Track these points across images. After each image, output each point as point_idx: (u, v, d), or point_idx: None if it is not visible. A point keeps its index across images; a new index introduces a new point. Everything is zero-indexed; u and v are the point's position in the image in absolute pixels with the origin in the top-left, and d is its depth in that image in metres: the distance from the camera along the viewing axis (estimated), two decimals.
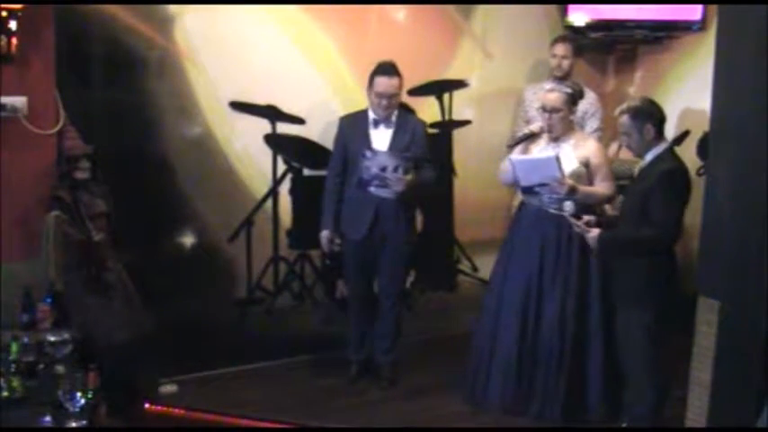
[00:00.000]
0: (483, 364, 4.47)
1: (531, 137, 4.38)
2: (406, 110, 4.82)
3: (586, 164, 4.29)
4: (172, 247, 4.78)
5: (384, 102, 4.48)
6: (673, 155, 3.84)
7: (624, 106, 3.88)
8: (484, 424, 4.31)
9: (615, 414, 4.29)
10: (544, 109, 4.30)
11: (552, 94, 4.29)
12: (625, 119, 3.82)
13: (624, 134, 3.86)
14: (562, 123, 4.30)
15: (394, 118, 4.56)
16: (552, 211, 4.26)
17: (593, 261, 4.30)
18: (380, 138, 4.55)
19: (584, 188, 4.22)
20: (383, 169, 4.38)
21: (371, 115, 4.57)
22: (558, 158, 4.12)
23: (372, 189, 4.46)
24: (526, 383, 4.35)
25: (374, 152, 4.41)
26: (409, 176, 4.44)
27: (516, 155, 4.35)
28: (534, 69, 5.58)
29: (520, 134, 4.46)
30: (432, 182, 4.65)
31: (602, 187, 4.30)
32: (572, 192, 4.13)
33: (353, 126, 4.59)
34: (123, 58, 4.48)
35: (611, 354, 4.27)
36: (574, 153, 4.29)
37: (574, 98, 4.33)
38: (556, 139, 4.34)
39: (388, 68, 4.49)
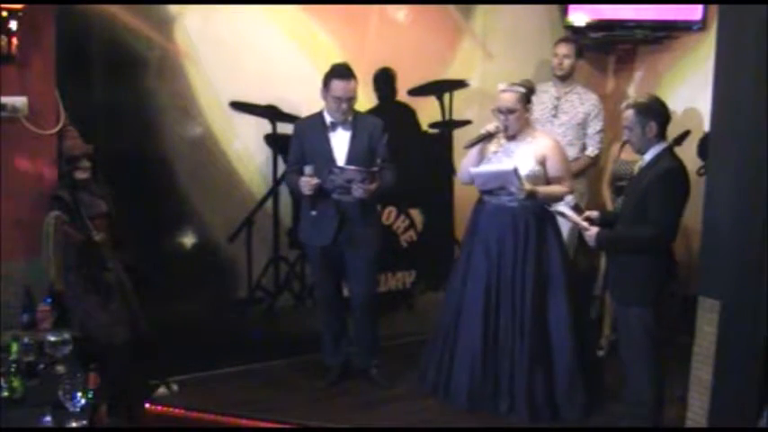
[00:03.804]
0: (445, 362, 4.50)
1: (488, 137, 4.40)
2: (401, 108, 4.82)
3: (543, 162, 4.34)
4: (172, 247, 4.77)
5: (343, 105, 4.47)
6: (672, 155, 3.85)
7: (631, 101, 3.91)
8: (484, 424, 4.31)
9: (590, 410, 4.33)
10: (499, 110, 4.34)
11: (506, 94, 4.34)
12: (630, 113, 3.84)
13: (627, 128, 3.88)
14: (518, 122, 4.36)
15: (350, 119, 4.55)
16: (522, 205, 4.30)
17: (554, 254, 4.36)
18: (339, 141, 4.53)
19: (542, 190, 4.30)
20: (349, 181, 4.39)
21: (328, 118, 4.55)
22: (516, 171, 4.18)
23: (335, 196, 4.47)
24: (491, 380, 4.37)
25: (342, 169, 4.40)
26: (374, 186, 4.43)
27: (477, 167, 4.39)
28: (537, 70, 5.58)
29: (476, 136, 4.44)
30: (393, 184, 4.59)
31: (560, 185, 4.37)
32: (531, 196, 4.20)
33: (310, 131, 4.57)
34: (123, 58, 4.47)
35: (581, 348, 4.35)
36: (530, 152, 4.34)
37: (527, 97, 4.37)
38: (512, 138, 4.38)
39: (343, 72, 4.46)
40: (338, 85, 4.43)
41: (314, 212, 4.49)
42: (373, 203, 4.68)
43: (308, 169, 4.44)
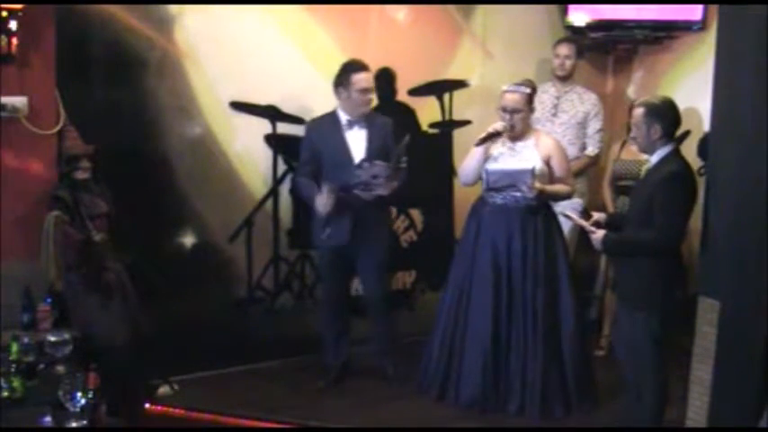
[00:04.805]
0: (453, 365, 4.49)
1: (496, 135, 4.41)
2: (401, 108, 4.84)
3: (547, 162, 4.38)
4: (172, 247, 4.77)
5: (369, 96, 4.48)
6: (679, 157, 3.81)
7: (642, 100, 3.91)
8: (483, 424, 4.31)
9: (594, 403, 4.40)
10: (504, 110, 4.35)
11: (513, 95, 4.36)
12: (639, 112, 3.83)
13: (634, 125, 3.88)
14: (522, 123, 4.38)
15: (364, 118, 4.55)
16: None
17: (559, 252, 4.39)
18: (356, 140, 4.53)
19: (549, 188, 4.35)
20: (375, 177, 4.38)
21: (344, 117, 4.55)
22: (533, 171, 4.20)
23: (357, 192, 4.45)
24: (503, 380, 4.37)
25: (371, 163, 4.39)
26: (395, 183, 4.43)
27: (491, 165, 4.40)
28: (537, 70, 5.58)
29: (484, 133, 4.45)
30: (403, 182, 4.59)
31: (564, 184, 4.43)
32: (540, 194, 4.22)
33: (325, 131, 4.55)
34: (123, 58, 4.48)
35: (584, 344, 4.41)
36: (536, 152, 4.36)
37: (531, 98, 4.39)
38: (515, 139, 4.40)
39: (359, 65, 4.48)
40: (361, 77, 4.44)
41: (327, 231, 4.47)
42: (385, 202, 4.67)
43: (326, 187, 4.41)
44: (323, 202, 4.41)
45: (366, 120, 4.54)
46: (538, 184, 4.24)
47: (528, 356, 4.33)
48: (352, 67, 4.46)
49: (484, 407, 4.38)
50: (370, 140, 4.52)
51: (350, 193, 4.44)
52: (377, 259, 4.66)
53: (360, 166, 4.38)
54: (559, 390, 4.35)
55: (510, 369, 4.36)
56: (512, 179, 4.29)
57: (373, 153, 4.47)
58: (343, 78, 4.47)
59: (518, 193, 4.30)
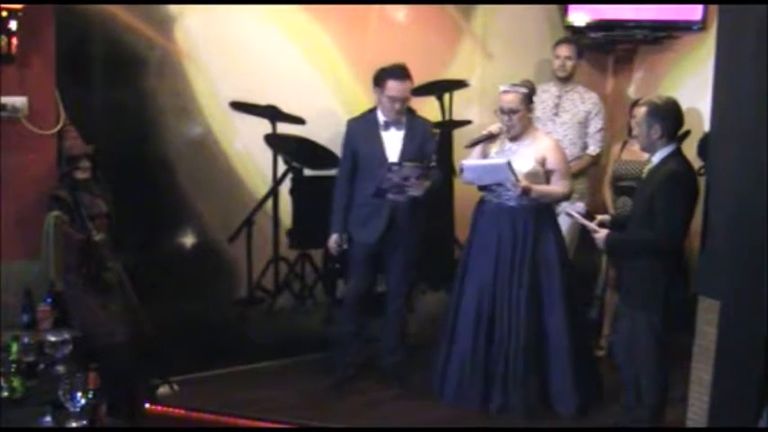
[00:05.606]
0: (444, 361, 4.51)
1: (490, 137, 4.42)
2: (410, 111, 4.84)
3: (543, 162, 4.35)
4: (172, 247, 4.77)
5: (397, 105, 4.49)
6: (680, 157, 3.81)
7: (646, 99, 3.92)
8: (483, 424, 4.31)
9: (587, 410, 4.36)
10: (502, 111, 4.36)
11: (508, 95, 4.36)
12: (641, 111, 3.85)
13: (635, 124, 3.90)
14: (521, 123, 4.37)
15: (403, 119, 4.56)
16: (510, 204, 4.30)
17: (551, 255, 4.37)
18: (393, 141, 4.55)
19: (538, 188, 4.31)
20: (406, 179, 4.39)
21: (382, 117, 4.57)
22: (509, 165, 4.18)
23: (390, 196, 4.47)
24: (481, 378, 4.38)
25: (400, 165, 4.40)
26: (428, 183, 4.45)
27: (468, 159, 4.42)
28: (537, 70, 5.58)
29: (478, 135, 4.47)
30: (440, 182, 4.65)
31: (558, 186, 4.38)
32: (526, 193, 4.22)
33: (363, 130, 4.58)
34: (123, 58, 4.48)
35: (578, 349, 4.38)
36: (531, 152, 4.35)
37: (529, 97, 4.38)
38: (514, 139, 4.39)
39: (399, 72, 4.49)
40: (394, 85, 4.45)
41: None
42: (422, 204, 4.66)
43: (338, 237, 4.62)
44: (333, 246, 4.65)
45: (405, 121, 4.55)
46: (524, 182, 4.22)
47: (509, 358, 4.34)
48: (389, 73, 4.49)
49: (464, 405, 4.38)
50: (407, 142, 4.54)
51: (383, 197, 4.45)
52: (406, 258, 4.69)
53: (390, 169, 4.39)
54: (541, 392, 4.36)
55: (491, 368, 4.37)
56: (489, 175, 4.30)
57: (409, 154, 4.49)
58: (379, 80, 4.51)
59: (509, 192, 4.29)
